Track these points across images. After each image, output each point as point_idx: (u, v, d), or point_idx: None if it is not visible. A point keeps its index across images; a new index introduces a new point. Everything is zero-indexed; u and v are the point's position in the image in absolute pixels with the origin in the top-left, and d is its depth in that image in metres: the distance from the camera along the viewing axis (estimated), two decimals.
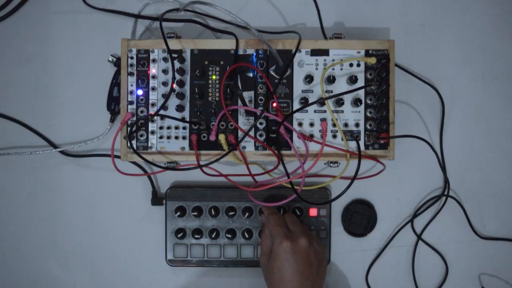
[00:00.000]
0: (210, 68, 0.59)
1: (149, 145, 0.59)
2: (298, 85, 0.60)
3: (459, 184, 0.68)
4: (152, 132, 0.59)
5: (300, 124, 0.59)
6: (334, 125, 0.59)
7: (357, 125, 0.59)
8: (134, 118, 0.59)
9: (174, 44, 0.59)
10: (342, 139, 0.59)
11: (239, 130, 0.59)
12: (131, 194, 0.67)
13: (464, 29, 0.69)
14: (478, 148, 0.68)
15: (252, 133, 0.59)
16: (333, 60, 0.59)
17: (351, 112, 0.60)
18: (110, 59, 0.65)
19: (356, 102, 0.58)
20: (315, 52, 0.59)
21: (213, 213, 0.64)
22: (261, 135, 0.59)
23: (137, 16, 0.65)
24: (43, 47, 0.67)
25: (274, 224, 0.59)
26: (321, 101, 0.58)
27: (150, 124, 0.59)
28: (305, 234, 0.58)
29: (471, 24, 0.69)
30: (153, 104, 0.59)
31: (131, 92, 0.59)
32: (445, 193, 0.67)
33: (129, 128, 0.59)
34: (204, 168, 0.58)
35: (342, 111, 0.60)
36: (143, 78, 0.59)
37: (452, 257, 0.68)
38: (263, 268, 0.59)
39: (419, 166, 0.68)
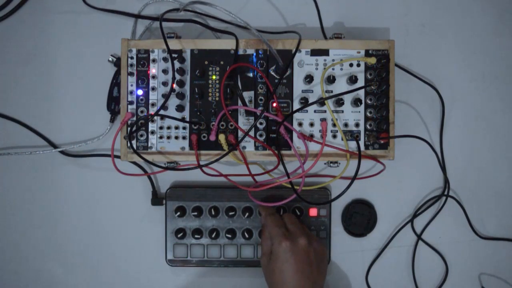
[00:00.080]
0: (210, 68, 0.59)
1: (149, 145, 0.59)
2: (298, 85, 0.60)
3: (459, 184, 0.68)
4: (152, 132, 0.59)
5: (300, 124, 0.59)
6: (334, 125, 0.59)
7: (357, 125, 0.59)
8: (134, 118, 0.59)
9: (174, 44, 0.59)
10: (342, 139, 0.59)
11: (239, 130, 0.59)
12: (131, 194, 0.67)
13: (464, 29, 0.69)
14: (478, 148, 0.68)
15: (252, 133, 0.59)
16: (333, 60, 0.59)
17: (351, 112, 0.60)
18: (110, 59, 0.65)
19: (356, 102, 0.58)
20: (315, 52, 0.59)
21: (213, 213, 0.64)
22: (261, 135, 0.59)
23: (137, 16, 0.65)
24: (43, 47, 0.67)
25: (273, 225, 0.59)
26: (321, 101, 0.58)
27: (150, 124, 0.59)
28: (304, 234, 0.58)
29: (471, 24, 0.69)
30: (153, 104, 0.59)
31: (131, 92, 0.59)
32: (445, 193, 0.67)
33: (129, 128, 0.59)
34: (204, 168, 0.58)
35: (342, 111, 0.60)
36: (143, 78, 0.59)
37: (452, 257, 0.68)
38: (264, 268, 0.59)
39: (419, 166, 0.68)
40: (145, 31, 0.64)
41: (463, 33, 0.69)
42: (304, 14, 0.67)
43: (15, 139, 0.67)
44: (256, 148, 0.59)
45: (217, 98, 0.59)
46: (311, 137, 0.59)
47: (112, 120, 0.66)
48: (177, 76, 0.59)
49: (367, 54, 0.59)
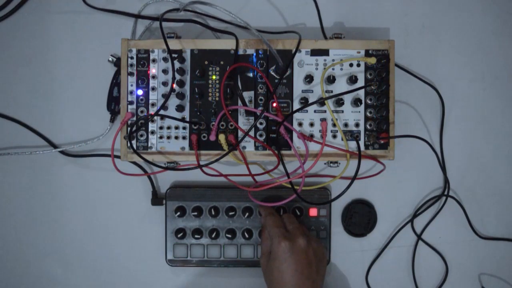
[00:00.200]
0: (210, 68, 0.59)
1: (149, 145, 0.59)
2: (298, 85, 0.60)
3: (459, 184, 0.68)
4: (152, 132, 0.59)
5: (300, 124, 0.59)
6: (334, 125, 0.59)
7: (357, 125, 0.59)
8: (134, 118, 0.59)
9: (174, 44, 0.59)
10: (342, 139, 0.59)
11: (239, 130, 0.59)
12: (131, 194, 0.67)
13: (464, 29, 0.69)
14: (478, 148, 0.68)
15: (252, 133, 0.59)
16: (333, 60, 0.59)
17: (351, 112, 0.60)
18: (110, 59, 0.65)
19: (356, 102, 0.58)
20: (315, 52, 0.59)
21: (213, 213, 0.64)
22: (261, 135, 0.59)
23: (137, 16, 0.65)
24: (43, 47, 0.67)
25: (272, 225, 0.59)
26: (321, 101, 0.58)
27: (150, 124, 0.59)
28: (304, 234, 0.58)
29: (471, 24, 0.69)
30: (153, 104, 0.59)
31: (131, 92, 0.59)
32: (445, 193, 0.67)
33: (129, 128, 0.59)
34: (204, 168, 0.58)
35: (342, 111, 0.60)
36: (143, 78, 0.59)
37: (452, 257, 0.68)
38: (263, 268, 0.59)
39: (419, 166, 0.68)
40: (145, 31, 0.64)
41: (463, 33, 0.69)
42: (304, 14, 0.67)
43: (15, 139, 0.67)
44: (256, 148, 0.59)
45: (217, 98, 0.59)
46: (311, 137, 0.59)
47: (112, 120, 0.66)
48: (177, 76, 0.59)
49: (367, 54, 0.59)
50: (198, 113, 0.59)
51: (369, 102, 0.59)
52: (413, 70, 0.68)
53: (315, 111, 0.59)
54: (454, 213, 0.68)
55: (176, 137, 0.59)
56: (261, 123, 0.59)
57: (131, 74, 0.59)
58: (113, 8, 0.67)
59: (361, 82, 0.59)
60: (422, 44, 0.68)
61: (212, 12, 0.66)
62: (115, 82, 0.65)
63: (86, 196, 0.67)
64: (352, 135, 0.59)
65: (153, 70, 0.59)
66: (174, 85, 0.59)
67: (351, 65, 0.59)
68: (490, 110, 0.69)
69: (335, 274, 0.68)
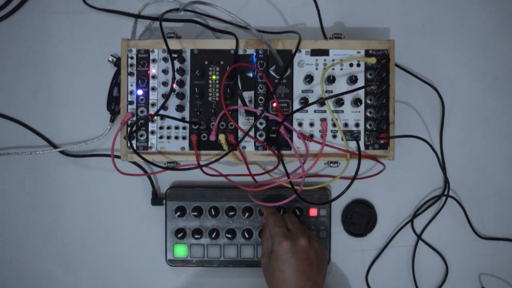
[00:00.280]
0: (210, 68, 0.59)
1: (149, 145, 0.59)
2: (298, 85, 0.60)
3: (459, 184, 0.68)
4: (152, 132, 0.59)
5: (300, 124, 0.59)
6: (334, 125, 0.59)
7: (357, 125, 0.59)
8: (134, 118, 0.59)
9: (174, 44, 0.59)
10: (342, 139, 0.59)
11: (239, 130, 0.59)
12: (131, 194, 0.67)
13: (464, 29, 0.69)
14: (478, 148, 0.68)
15: (252, 133, 0.59)
16: (333, 60, 0.59)
17: (351, 112, 0.60)
18: (110, 59, 0.65)
19: (356, 102, 0.58)
20: (315, 52, 0.59)
21: (213, 213, 0.64)
22: (261, 135, 0.59)
23: (137, 16, 0.65)
24: (43, 47, 0.67)
25: (274, 225, 0.59)
26: (321, 101, 0.58)
27: (150, 124, 0.59)
28: (305, 234, 0.58)
29: (471, 24, 0.69)
30: (153, 104, 0.59)
31: (131, 92, 0.59)
32: (445, 193, 0.67)
33: (129, 128, 0.59)
34: (204, 168, 0.58)
35: (342, 111, 0.60)
36: (143, 78, 0.59)
37: (452, 257, 0.68)
38: (264, 268, 0.59)
39: (419, 166, 0.68)
40: (145, 31, 0.64)
41: (463, 33, 0.69)
42: (304, 14, 0.67)
43: (15, 139, 0.67)
44: (256, 148, 0.59)
45: (217, 98, 0.59)
46: (311, 137, 0.59)
47: (112, 120, 0.66)
48: (177, 76, 0.59)
49: (367, 54, 0.59)
50: (198, 113, 0.59)
51: (369, 102, 0.59)
52: (413, 70, 0.68)
53: (315, 111, 0.59)
54: (454, 213, 0.68)
55: (176, 137, 0.59)
56: (261, 123, 0.59)
57: (131, 74, 0.59)
58: (113, 8, 0.67)
59: (361, 82, 0.59)
60: (422, 44, 0.68)
61: (212, 12, 0.66)
62: (115, 82, 0.65)
63: (86, 196, 0.67)
64: (352, 135, 0.59)
65: (153, 70, 0.59)
66: (174, 85, 0.59)
67: (351, 65, 0.59)
68: (490, 110, 0.69)
69: (335, 274, 0.68)
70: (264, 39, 0.58)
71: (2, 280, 0.67)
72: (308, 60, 0.59)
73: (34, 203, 0.67)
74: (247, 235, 0.64)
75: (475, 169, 0.68)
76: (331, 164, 0.60)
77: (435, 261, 0.68)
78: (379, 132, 0.59)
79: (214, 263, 0.65)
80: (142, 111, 0.59)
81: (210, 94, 0.59)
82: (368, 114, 0.59)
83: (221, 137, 0.58)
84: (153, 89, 0.59)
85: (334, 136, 0.60)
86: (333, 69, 0.59)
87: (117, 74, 0.65)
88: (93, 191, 0.67)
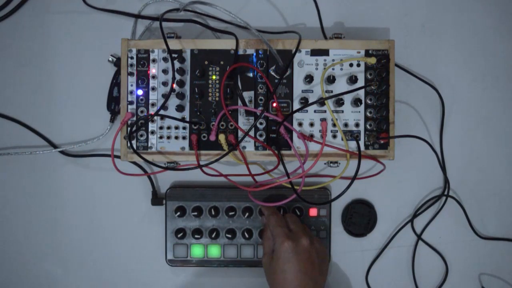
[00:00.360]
0: (210, 68, 0.59)
1: (149, 145, 0.59)
2: (298, 85, 0.60)
3: (459, 184, 0.68)
4: (152, 132, 0.59)
5: (300, 124, 0.59)
6: (334, 125, 0.59)
7: (357, 125, 0.59)
8: (134, 118, 0.59)
9: (174, 44, 0.59)
10: (342, 139, 0.59)
11: (239, 130, 0.59)
12: (131, 194, 0.67)
13: (464, 29, 0.69)
14: (478, 148, 0.68)
15: (252, 133, 0.59)
16: (333, 60, 0.59)
17: (351, 112, 0.60)
18: (110, 59, 0.65)
19: (356, 102, 0.58)
20: (315, 52, 0.59)
21: (213, 213, 0.64)
22: (261, 135, 0.59)
23: (137, 16, 0.65)
24: (43, 47, 0.67)
25: (275, 225, 0.59)
26: (321, 101, 0.58)
27: (150, 124, 0.59)
28: (306, 234, 0.58)
29: (471, 24, 0.69)
30: (153, 104, 0.59)
31: (131, 92, 0.59)
32: (445, 193, 0.67)
33: (129, 128, 0.59)
34: (204, 168, 0.58)
35: (342, 111, 0.60)
36: (143, 78, 0.59)
37: (452, 257, 0.68)
38: (266, 268, 0.59)
39: (419, 166, 0.68)
40: (145, 31, 0.64)
41: (463, 33, 0.69)
42: (304, 14, 0.67)
43: (15, 139, 0.67)
44: (256, 148, 0.59)
45: (217, 98, 0.59)
46: (311, 137, 0.59)
47: (112, 120, 0.66)
48: (177, 76, 0.59)
49: (367, 54, 0.59)
50: (198, 113, 0.59)
51: (369, 102, 0.59)
52: (413, 70, 0.68)
53: (315, 111, 0.60)
54: (454, 213, 0.68)
55: (176, 137, 0.59)
56: (261, 123, 0.59)
57: (131, 74, 0.59)
58: (113, 8, 0.67)
59: (361, 82, 0.59)
60: (422, 44, 0.68)
61: (212, 12, 0.66)
62: (115, 82, 0.65)
63: (86, 196, 0.67)
64: (352, 135, 0.59)
65: (153, 70, 0.59)
66: (174, 85, 0.59)
67: (351, 65, 0.59)
68: (490, 110, 0.69)
69: (335, 274, 0.68)
70: (264, 39, 0.58)
71: (2, 280, 0.67)
72: (308, 60, 0.59)
73: (34, 203, 0.67)
74: (247, 235, 0.64)
75: (475, 169, 0.68)
76: (331, 164, 0.60)
77: (435, 261, 0.68)
78: (379, 132, 0.59)
79: (214, 263, 0.65)
80: (142, 111, 0.59)
81: (210, 94, 0.59)
82: (368, 114, 0.59)
83: (221, 137, 0.58)
84: (153, 89, 0.59)
85: (334, 136, 0.60)
86: (333, 69, 0.59)
87: (117, 74, 0.65)
88: (93, 191, 0.67)
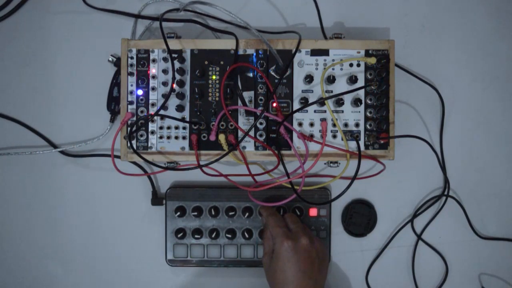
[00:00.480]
0: (210, 68, 0.59)
1: (149, 145, 0.59)
2: (298, 85, 0.60)
3: (459, 184, 0.68)
4: (152, 132, 0.59)
5: (300, 124, 0.59)
6: (334, 125, 0.59)
7: (357, 125, 0.59)
8: (134, 118, 0.59)
9: (174, 44, 0.59)
10: (342, 139, 0.59)
11: (239, 130, 0.59)
12: (131, 194, 0.67)
13: (464, 29, 0.69)
14: (478, 148, 0.68)
15: (252, 133, 0.59)
16: (333, 60, 0.59)
17: (351, 112, 0.60)
18: (110, 59, 0.65)
19: (356, 102, 0.58)
20: (315, 52, 0.59)
21: (213, 213, 0.64)
22: (261, 135, 0.59)
23: (137, 16, 0.65)
24: (43, 47, 0.67)
25: (274, 225, 0.59)
26: (321, 101, 0.58)
27: (150, 124, 0.59)
28: (306, 233, 0.58)
29: (471, 24, 0.69)
30: (153, 104, 0.59)
31: (131, 92, 0.59)
32: (445, 193, 0.67)
33: (129, 128, 0.59)
34: (204, 168, 0.58)
35: (342, 111, 0.60)
36: (143, 78, 0.59)
37: (452, 257, 0.68)
38: (266, 268, 0.59)
39: (419, 166, 0.68)
40: (145, 31, 0.64)
41: (463, 33, 0.69)
42: (304, 14, 0.67)
43: (15, 139, 0.67)
44: (256, 148, 0.59)
45: (217, 98, 0.59)
46: (311, 137, 0.59)
47: (112, 120, 0.66)
48: (177, 76, 0.59)
49: (367, 54, 0.59)
50: (198, 113, 0.59)
51: (369, 102, 0.59)
52: (413, 70, 0.68)
53: (315, 111, 0.59)
54: (454, 213, 0.68)
55: (176, 137, 0.59)
56: (261, 123, 0.59)
57: (131, 74, 0.59)
58: (113, 8, 0.67)
59: (361, 82, 0.59)
60: (422, 44, 0.68)
61: (212, 12, 0.66)
62: (115, 82, 0.65)
63: (86, 196, 0.67)
64: (352, 135, 0.59)
65: (153, 70, 0.59)
66: (174, 85, 0.59)
67: (351, 65, 0.59)
68: (490, 110, 0.69)
69: (335, 274, 0.68)
70: (264, 39, 0.58)
71: (2, 280, 0.67)
72: (308, 60, 0.59)
73: (34, 203, 0.67)
74: (247, 235, 0.64)
75: (475, 169, 0.68)
76: (331, 164, 0.60)
77: (435, 261, 0.68)
78: (379, 132, 0.59)
79: (214, 263, 0.65)
80: (142, 111, 0.59)
81: (210, 94, 0.59)
82: (368, 114, 0.59)
83: (221, 137, 0.58)
84: (153, 89, 0.59)
85: (334, 136, 0.60)
86: (333, 69, 0.59)
87: (117, 74, 0.65)
88: (93, 191, 0.67)
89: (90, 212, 0.67)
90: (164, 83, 0.59)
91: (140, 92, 0.59)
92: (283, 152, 0.59)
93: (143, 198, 0.67)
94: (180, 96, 0.58)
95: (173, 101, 0.59)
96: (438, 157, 0.66)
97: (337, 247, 0.67)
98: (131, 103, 0.59)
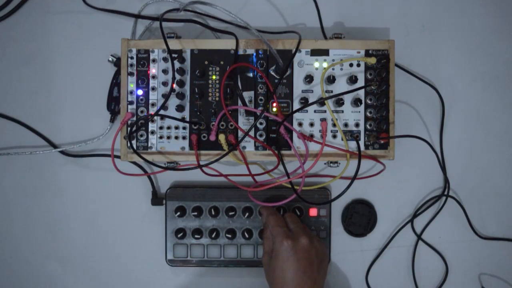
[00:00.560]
0: (210, 68, 0.59)
1: (149, 145, 0.59)
2: (298, 85, 0.60)
3: (459, 184, 0.68)
4: (152, 132, 0.59)
5: (300, 124, 0.59)
6: (334, 125, 0.59)
7: (357, 125, 0.59)
8: (134, 118, 0.59)
9: (174, 44, 0.59)
10: (342, 139, 0.59)
11: (239, 130, 0.59)
12: (131, 194, 0.67)
13: (464, 29, 0.69)
14: (478, 148, 0.68)
15: (252, 133, 0.59)
16: (333, 60, 0.59)
17: (351, 112, 0.60)
18: (110, 59, 0.65)
19: (356, 102, 0.58)
20: (315, 52, 0.59)
21: (213, 213, 0.64)
22: (261, 135, 0.59)
23: (137, 16, 0.65)
24: (43, 47, 0.67)
25: (274, 225, 0.59)
26: (321, 101, 0.58)
27: (150, 124, 0.59)
28: (306, 233, 0.58)
29: (471, 24, 0.69)
30: (153, 104, 0.59)
31: (131, 92, 0.59)
32: (445, 193, 0.67)
33: (129, 128, 0.59)
34: (204, 168, 0.58)
35: (342, 111, 0.60)
36: (143, 78, 0.59)
37: (452, 257, 0.68)
38: (265, 267, 0.59)
39: (419, 166, 0.68)
40: (145, 31, 0.64)
41: (463, 33, 0.69)
42: (304, 14, 0.67)
43: (15, 139, 0.67)
44: (256, 148, 0.59)
45: (217, 98, 0.59)
46: (311, 137, 0.59)
47: (112, 120, 0.66)
48: (177, 76, 0.59)
49: (367, 54, 0.59)
50: (198, 113, 0.59)
51: (369, 102, 0.59)
52: (413, 70, 0.68)
53: (315, 111, 0.59)
54: (454, 213, 0.68)
55: (176, 137, 0.59)
56: (261, 123, 0.59)
57: (131, 74, 0.59)
58: (113, 8, 0.67)
59: (361, 82, 0.59)
60: (422, 44, 0.68)
61: (212, 12, 0.66)
62: (115, 82, 0.65)
63: (86, 196, 0.67)
64: (352, 135, 0.59)
65: (153, 70, 0.59)
66: (174, 85, 0.59)
67: (351, 65, 0.59)
68: (490, 110, 0.69)
69: (335, 274, 0.68)
70: (264, 39, 0.58)
71: (2, 280, 0.67)
72: (308, 60, 0.59)
73: (34, 203, 0.67)
74: (247, 235, 0.64)
75: (475, 169, 0.68)
76: (331, 164, 0.60)
77: (435, 261, 0.68)
78: (379, 132, 0.59)
79: (214, 263, 0.65)
80: (142, 111, 0.59)
81: (210, 94, 0.59)
82: (368, 114, 0.59)
83: (221, 137, 0.58)
84: (153, 89, 0.59)
85: (334, 136, 0.60)
86: (333, 69, 0.59)
87: (117, 74, 0.65)
88: (93, 191, 0.67)
89: (90, 212, 0.67)
90: (164, 83, 0.59)
91: (140, 92, 0.59)
92: (283, 152, 0.59)
93: (143, 198, 0.67)
94: (180, 96, 0.58)
95: (173, 101, 0.59)
96: (438, 157, 0.66)
97: (337, 247, 0.67)
98: (131, 103, 0.59)
